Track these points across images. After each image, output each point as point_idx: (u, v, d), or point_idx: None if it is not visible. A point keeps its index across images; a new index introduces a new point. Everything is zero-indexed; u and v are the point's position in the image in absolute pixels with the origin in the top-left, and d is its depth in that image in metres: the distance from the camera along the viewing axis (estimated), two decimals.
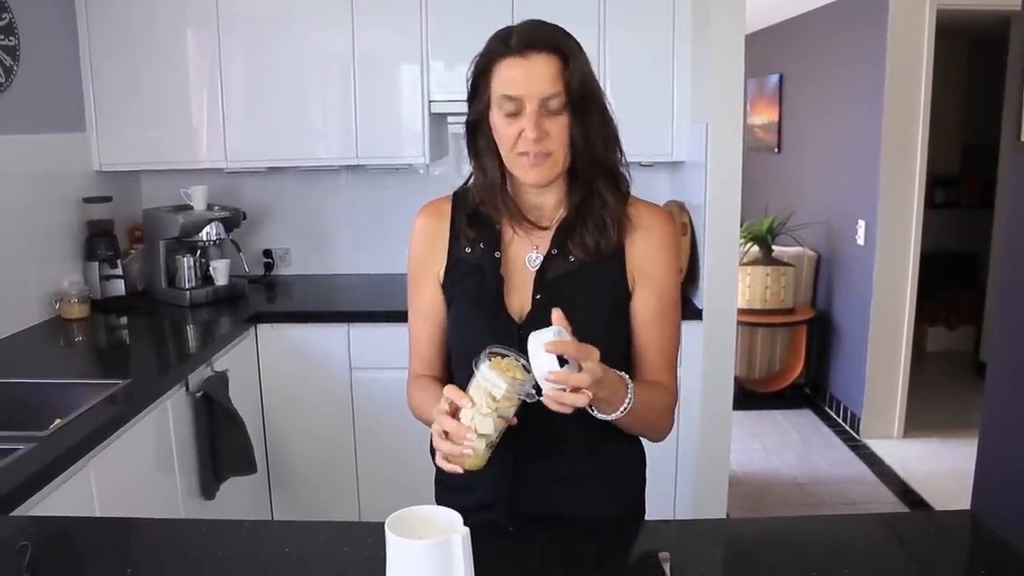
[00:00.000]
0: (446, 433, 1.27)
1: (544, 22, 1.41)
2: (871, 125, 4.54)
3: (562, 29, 1.41)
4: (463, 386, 1.30)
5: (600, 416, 1.33)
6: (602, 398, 1.28)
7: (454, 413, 1.27)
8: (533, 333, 1.23)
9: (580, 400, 1.22)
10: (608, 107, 1.44)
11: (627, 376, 1.35)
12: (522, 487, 1.48)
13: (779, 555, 1.39)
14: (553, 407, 1.23)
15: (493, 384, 1.23)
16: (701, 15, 3.15)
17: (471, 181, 1.53)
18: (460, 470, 1.28)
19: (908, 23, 4.31)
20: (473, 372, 1.26)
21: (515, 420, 1.28)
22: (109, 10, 3.34)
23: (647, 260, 1.47)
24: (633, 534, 1.48)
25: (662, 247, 1.48)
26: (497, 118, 1.39)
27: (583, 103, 1.37)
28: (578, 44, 1.40)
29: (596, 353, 1.23)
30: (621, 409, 1.32)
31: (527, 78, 1.34)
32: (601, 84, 3.48)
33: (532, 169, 1.39)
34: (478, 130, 1.46)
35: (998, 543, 1.36)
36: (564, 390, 1.22)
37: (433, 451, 1.59)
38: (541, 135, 1.35)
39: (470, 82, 1.43)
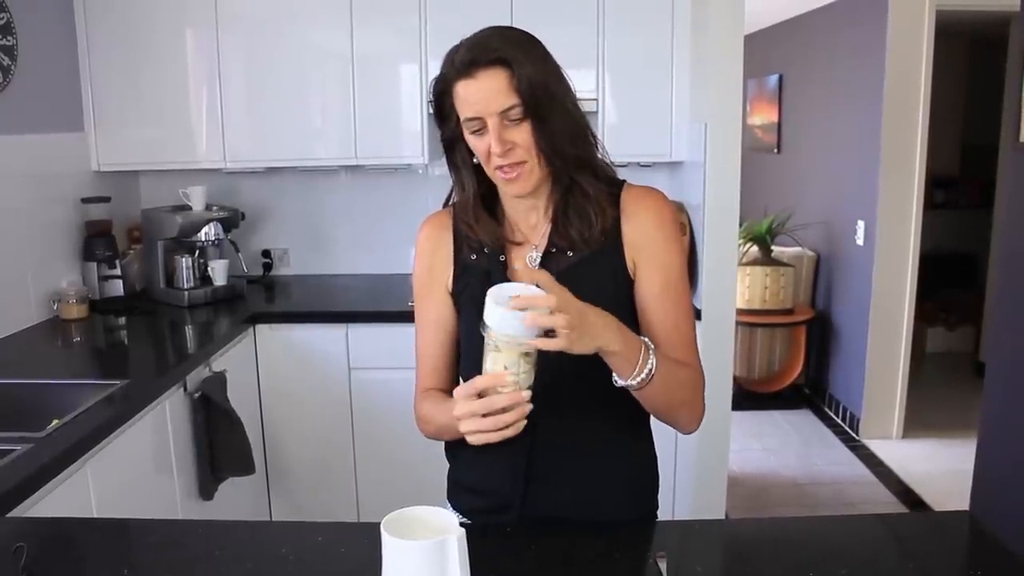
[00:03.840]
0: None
1: (489, 32, 1.39)
2: (871, 125, 4.54)
3: (506, 34, 1.39)
4: None
5: (622, 383, 1.31)
6: (614, 351, 1.26)
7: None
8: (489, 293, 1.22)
9: (559, 321, 1.18)
10: (572, 100, 1.42)
11: (647, 339, 1.33)
12: (535, 489, 1.47)
13: (776, 555, 1.39)
14: (548, 346, 1.20)
15: (513, 336, 1.21)
16: (700, 15, 3.15)
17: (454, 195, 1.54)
18: (519, 428, 1.26)
19: (908, 23, 4.31)
20: (485, 359, 1.26)
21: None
22: (107, 9, 3.34)
23: (643, 239, 1.45)
24: (630, 534, 1.47)
25: (657, 224, 1.46)
26: (468, 137, 1.40)
27: (540, 107, 1.35)
28: (528, 43, 1.38)
29: (566, 294, 1.21)
30: (644, 372, 1.29)
31: (479, 97, 1.34)
32: (600, 83, 3.49)
33: (512, 182, 1.40)
34: (454, 146, 1.47)
35: (995, 544, 1.36)
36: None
37: (447, 449, 1.59)
38: (507, 148, 1.35)
39: (434, 105, 1.44)
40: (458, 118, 1.39)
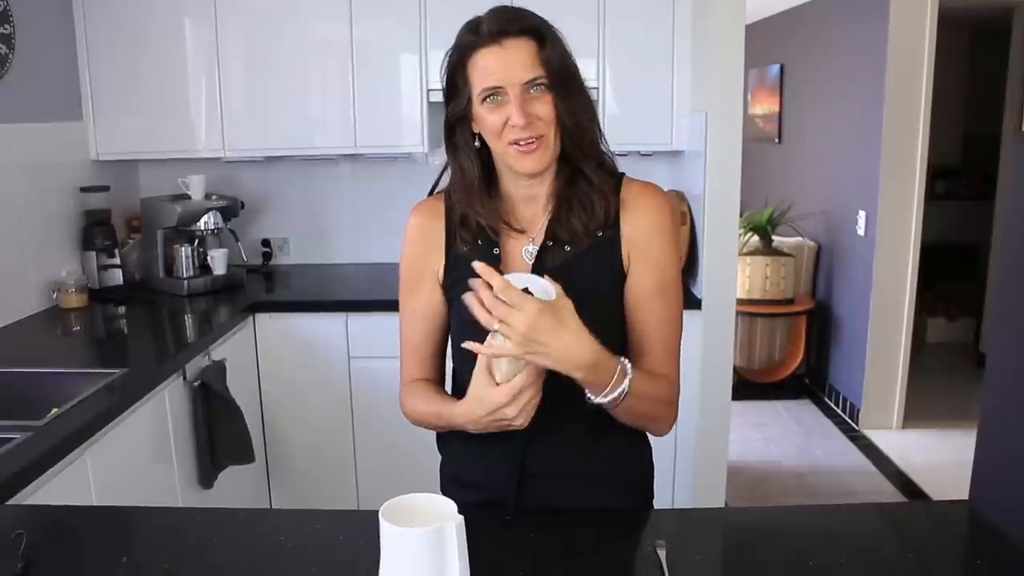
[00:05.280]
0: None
1: (512, 7, 1.39)
2: (872, 115, 4.52)
3: (532, 11, 1.39)
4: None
5: (595, 400, 1.30)
6: (584, 380, 1.27)
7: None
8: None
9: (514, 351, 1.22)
10: (586, 85, 1.42)
11: (626, 360, 1.31)
12: (529, 483, 1.47)
13: (775, 544, 1.38)
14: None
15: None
16: (701, 4, 3.13)
17: (448, 180, 1.51)
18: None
19: (910, 13, 4.29)
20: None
21: None
22: None
23: (641, 239, 1.43)
24: (629, 522, 1.47)
25: (656, 225, 1.44)
26: (481, 110, 1.36)
27: (565, 82, 1.35)
28: (551, 25, 1.38)
29: (519, 316, 1.20)
30: (617, 392, 1.28)
31: (505, 65, 1.32)
32: (600, 73, 3.48)
33: (526, 157, 1.36)
34: (457, 128, 1.44)
35: (996, 534, 1.36)
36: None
37: (440, 442, 1.59)
38: (529, 120, 1.33)
39: (446, 79, 1.41)
40: (469, 96, 1.37)
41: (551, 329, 1.21)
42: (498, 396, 1.28)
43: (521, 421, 1.29)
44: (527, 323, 1.19)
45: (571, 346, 1.23)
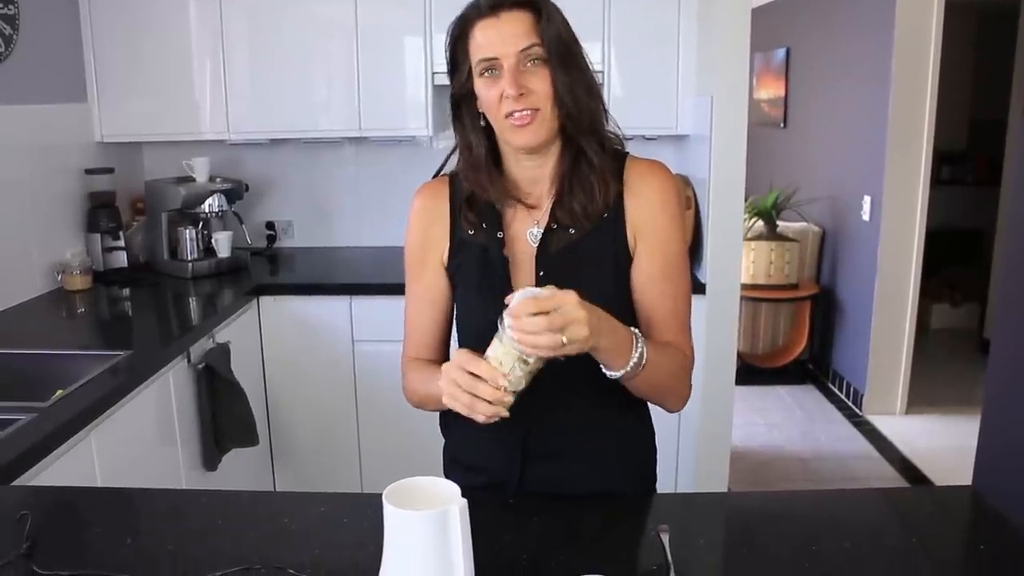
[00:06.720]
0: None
1: None
2: (878, 100, 4.50)
3: None
4: None
5: (611, 374, 1.29)
6: (604, 347, 1.24)
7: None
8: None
9: (545, 340, 1.16)
10: (589, 64, 1.40)
11: (636, 330, 1.31)
12: (531, 467, 1.47)
13: (778, 529, 1.39)
14: (528, 351, 1.18)
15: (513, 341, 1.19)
16: None
17: (457, 159, 1.50)
18: (491, 420, 1.24)
19: None
20: (491, 341, 1.23)
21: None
22: None
23: (646, 218, 1.42)
24: (632, 507, 1.47)
25: (661, 203, 1.43)
26: (479, 83, 1.36)
27: (562, 55, 1.33)
28: (553, 3, 1.37)
29: (566, 298, 1.17)
30: (630, 364, 1.27)
31: (500, 36, 1.32)
32: (605, 56, 3.45)
33: (521, 130, 1.35)
34: (463, 104, 1.43)
35: (999, 519, 1.36)
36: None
37: (443, 425, 1.59)
38: (522, 91, 1.32)
39: (448, 53, 1.41)
40: (469, 69, 1.37)
41: (587, 313, 1.19)
42: (451, 362, 1.25)
43: (447, 400, 1.25)
44: (583, 310, 1.17)
45: (596, 315, 1.22)
